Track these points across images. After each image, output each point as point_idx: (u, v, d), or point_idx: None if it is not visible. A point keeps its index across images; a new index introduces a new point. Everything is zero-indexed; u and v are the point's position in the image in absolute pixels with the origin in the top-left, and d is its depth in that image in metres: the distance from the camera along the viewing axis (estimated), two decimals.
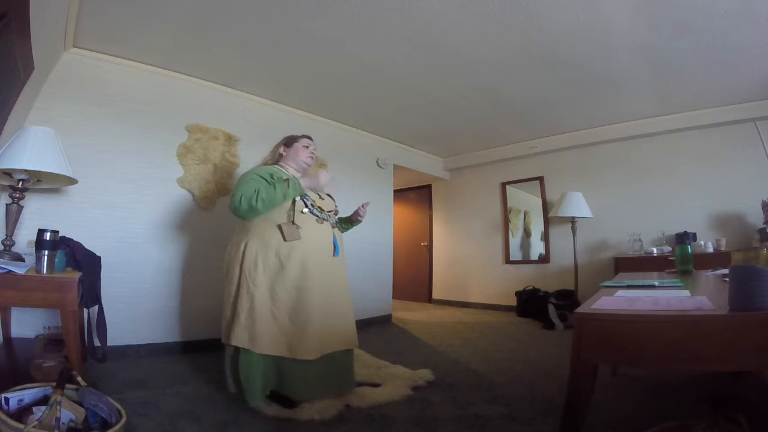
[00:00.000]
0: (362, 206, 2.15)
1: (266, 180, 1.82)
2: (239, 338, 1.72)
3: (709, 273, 2.04)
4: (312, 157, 2.10)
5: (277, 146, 2.11)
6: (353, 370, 2.02)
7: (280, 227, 1.80)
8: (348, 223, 2.23)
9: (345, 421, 1.65)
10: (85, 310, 2.02)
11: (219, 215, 3.12)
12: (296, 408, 1.73)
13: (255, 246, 1.80)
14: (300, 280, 1.79)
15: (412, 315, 4.74)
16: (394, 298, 4.65)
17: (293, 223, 1.82)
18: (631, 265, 3.58)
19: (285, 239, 1.78)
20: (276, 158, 2.09)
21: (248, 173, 1.89)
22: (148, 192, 2.80)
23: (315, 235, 1.87)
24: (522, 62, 2.89)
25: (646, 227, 3.95)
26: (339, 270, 1.97)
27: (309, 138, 2.14)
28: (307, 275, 1.80)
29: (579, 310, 1.09)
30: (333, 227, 1.99)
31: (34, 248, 1.76)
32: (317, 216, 1.91)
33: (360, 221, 2.19)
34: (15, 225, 1.91)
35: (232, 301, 1.81)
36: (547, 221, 4.77)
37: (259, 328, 1.72)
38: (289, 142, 2.10)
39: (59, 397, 1.21)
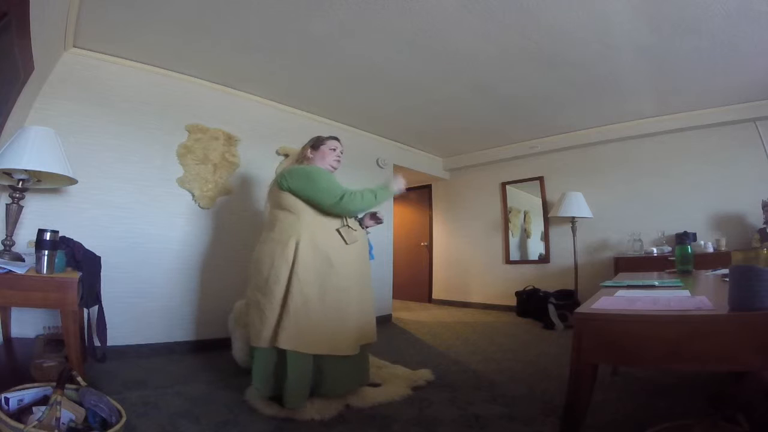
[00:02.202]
0: (378, 217, 2.14)
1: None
2: (288, 340, 1.69)
3: (709, 273, 2.04)
4: (339, 160, 2.09)
5: (304, 148, 2.09)
6: (369, 363, 2.09)
7: (339, 231, 1.87)
8: None
9: (345, 421, 1.65)
10: (85, 310, 2.02)
11: (219, 215, 3.12)
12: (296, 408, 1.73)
13: (307, 248, 1.79)
14: (345, 281, 1.85)
15: (412, 315, 4.74)
16: (394, 298, 4.65)
17: (350, 227, 1.90)
18: (631, 265, 3.58)
19: (347, 243, 1.87)
20: (302, 160, 2.07)
21: (316, 170, 1.89)
22: (148, 192, 2.80)
23: (359, 239, 1.97)
24: (522, 62, 2.89)
25: (646, 227, 3.95)
26: (368, 270, 2.07)
27: (336, 139, 2.11)
28: (350, 276, 1.87)
29: (579, 310, 1.09)
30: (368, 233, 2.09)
31: (34, 248, 1.76)
32: (361, 222, 2.03)
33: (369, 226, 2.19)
34: (15, 225, 1.91)
35: (278, 303, 1.75)
36: (547, 221, 4.77)
37: (308, 329, 1.73)
38: (316, 144, 2.07)
39: (59, 397, 1.21)
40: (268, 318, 1.75)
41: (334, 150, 2.07)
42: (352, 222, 1.97)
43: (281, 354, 1.74)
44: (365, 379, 1.99)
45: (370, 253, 2.07)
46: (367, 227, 2.16)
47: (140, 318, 2.69)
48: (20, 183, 1.91)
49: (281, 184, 1.88)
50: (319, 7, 2.26)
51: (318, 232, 1.84)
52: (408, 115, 4.01)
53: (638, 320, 0.99)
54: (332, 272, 1.81)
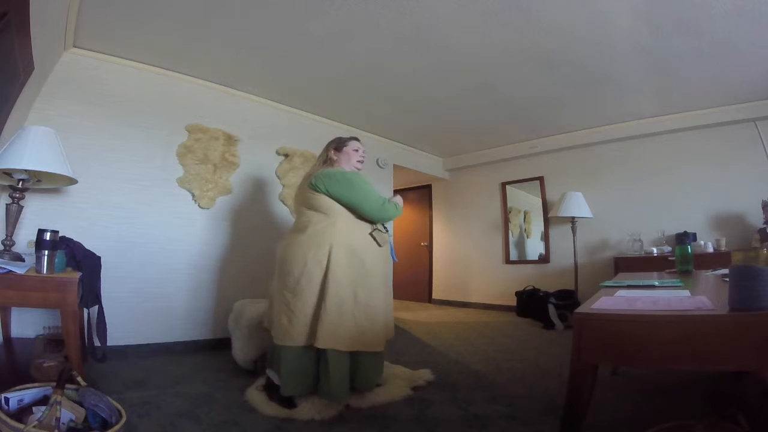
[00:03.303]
0: None
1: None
2: (327, 340, 1.72)
3: (709, 273, 2.04)
4: (362, 161, 2.13)
5: (327, 150, 2.10)
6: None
7: (372, 235, 1.93)
8: None
9: (345, 421, 1.65)
10: (85, 310, 2.02)
11: (219, 215, 3.12)
12: (296, 408, 1.73)
13: (342, 251, 1.83)
14: (375, 281, 1.90)
15: (412, 315, 4.73)
16: (394, 298, 4.58)
17: (380, 230, 1.98)
18: (631, 265, 3.58)
19: (379, 245, 1.94)
20: (329, 162, 2.07)
21: (356, 176, 1.96)
22: (148, 192, 2.80)
23: (388, 241, 2.05)
24: (522, 62, 2.89)
25: (646, 227, 3.95)
26: (389, 270, 2.13)
27: (357, 140, 2.15)
28: (378, 277, 1.93)
29: (579, 310, 1.09)
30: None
31: (34, 248, 1.76)
32: (385, 226, 2.10)
33: None
34: (15, 225, 1.91)
35: (309, 304, 1.79)
36: (547, 221, 4.77)
37: (344, 328, 1.76)
38: (338, 146, 2.09)
39: (59, 397, 1.21)
40: (299, 318, 1.78)
41: (357, 151, 2.11)
42: (380, 225, 2.03)
43: (313, 353, 1.77)
44: (383, 372, 2.07)
45: (391, 254, 2.13)
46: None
47: (140, 318, 2.69)
48: (20, 183, 1.91)
49: (317, 186, 1.88)
50: (319, 7, 2.26)
51: (352, 235, 1.88)
52: (408, 115, 4.01)
53: (638, 320, 0.99)
54: (365, 273, 1.86)
